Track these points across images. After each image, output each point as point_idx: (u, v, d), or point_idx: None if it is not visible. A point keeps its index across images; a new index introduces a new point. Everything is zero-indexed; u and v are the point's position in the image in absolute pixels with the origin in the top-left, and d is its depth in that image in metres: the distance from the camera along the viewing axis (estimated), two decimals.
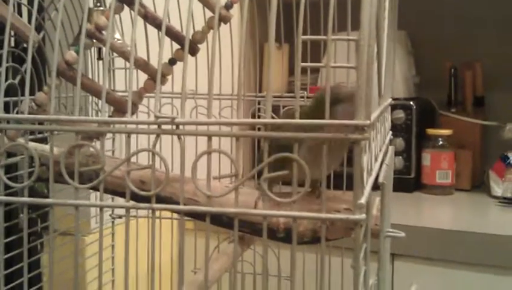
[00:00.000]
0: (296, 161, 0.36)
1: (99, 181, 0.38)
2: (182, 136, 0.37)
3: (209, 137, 0.37)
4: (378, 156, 0.54)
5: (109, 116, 0.68)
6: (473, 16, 1.77)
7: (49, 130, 0.39)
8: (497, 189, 1.49)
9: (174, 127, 0.38)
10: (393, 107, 1.54)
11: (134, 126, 0.37)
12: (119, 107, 0.66)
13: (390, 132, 0.81)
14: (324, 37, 0.38)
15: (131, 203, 0.38)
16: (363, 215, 0.34)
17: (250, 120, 0.37)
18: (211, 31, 0.66)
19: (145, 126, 0.40)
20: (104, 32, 0.63)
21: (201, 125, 0.37)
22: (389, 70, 0.76)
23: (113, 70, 0.90)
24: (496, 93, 1.73)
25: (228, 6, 0.68)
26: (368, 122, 0.36)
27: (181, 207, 0.37)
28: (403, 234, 0.49)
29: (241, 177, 0.39)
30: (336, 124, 0.37)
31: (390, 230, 0.49)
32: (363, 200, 0.34)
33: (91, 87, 0.65)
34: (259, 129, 0.38)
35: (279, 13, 0.83)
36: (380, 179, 0.47)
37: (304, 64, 0.38)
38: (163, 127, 0.37)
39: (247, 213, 0.36)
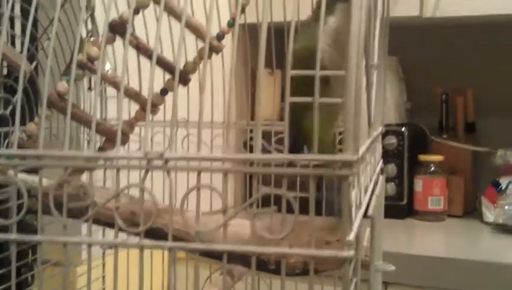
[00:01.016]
0: (285, 196, 0.36)
1: (88, 217, 0.38)
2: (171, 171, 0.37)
3: (199, 172, 0.37)
4: (368, 188, 0.54)
5: (100, 146, 0.68)
6: (463, 42, 1.79)
7: (37, 166, 0.39)
8: (489, 215, 1.49)
9: (164, 161, 0.38)
10: (385, 133, 1.55)
11: (123, 161, 0.37)
12: (110, 137, 0.66)
13: (381, 161, 0.81)
14: (313, 72, 0.38)
15: (120, 239, 0.38)
16: (352, 252, 0.34)
17: (239, 156, 0.37)
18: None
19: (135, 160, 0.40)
20: (96, 62, 0.64)
21: (191, 160, 0.37)
22: (380, 98, 0.76)
23: (106, 99, 0.90)
24: (487, 119, 1.74)
25: (220, 37, 0.68)
26: (356, 157, 0.36)
27: (170, 244, 0.37)
28: (393, 268, 0.49)
29: (231, 210, 0.39)
30: (322, 159, 0.37)
31: (381, 263, 0.49)
32: (351, 237, 0.34)
33: (82, 118, 0.65)
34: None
35: (270, 39, 0.84)
36: (370, 212, 0.47)
37: (292, 98, 0.38)
38: (153, 162, 0.37)
39: (235, 250, 0.36)
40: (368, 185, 0.53)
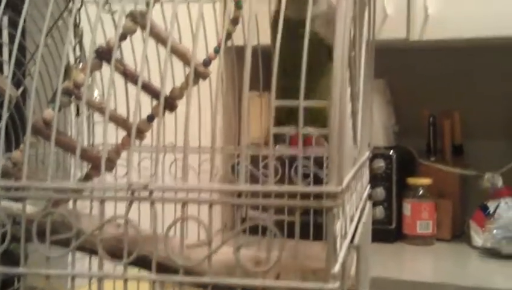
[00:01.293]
0: (270, 228, 0.36)
1: (71, 249, 0.38)
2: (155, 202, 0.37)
3: (183, 203, 0.37)
4: (354, 216, 0.54)
5: (86, 173, 0.68)
6: (450, 65, 1.80)
7: (20, 197, 0.38)
8: (478, 239, 1.50)
9: (148, 193, 0.37)
10: (374, 157, 1.56)
11: (106, 193, 0.37)
12: (96, 164, 0.66)
13: (369, 186, 0.81)
14: (296, 103, 0.38)
15: (105, 271, 0.37)
16: (337, 284, 0.34)
17: (224, 187, 0.37)
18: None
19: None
20: (82, 89, 0.63)
21: (175, 191, 0.37)
22: (367, 122, 0.77)
23: (93, 125, 0.90)
24: (474, 142, 1.75)
25: (206, 63, 0.69)
26: (340, 188, 0.36)
27: (154, 277, 0.37)
28: None
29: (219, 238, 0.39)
30: (303, 187, 0.37)
31: None
32: (336, 269, 0.34)
33: (68, 145, 0.65)
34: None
35: (257, 61, 0.85)
36: (356, 242, 0.47)
37: (275, 130, 0.38)
38: (137, 193, 0.37)
39: (220, 283, 0.35)
40: (354, 214, 0.53)
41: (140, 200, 0.38)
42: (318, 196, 0.36)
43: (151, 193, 0.37)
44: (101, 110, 0.67)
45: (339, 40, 0.35)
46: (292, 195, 0.37)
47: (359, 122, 0.60)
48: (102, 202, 0.38)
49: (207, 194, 0.39)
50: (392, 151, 1.61)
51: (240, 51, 0.85)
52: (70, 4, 0.77)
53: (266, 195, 0.38)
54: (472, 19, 1.49)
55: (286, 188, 0.36)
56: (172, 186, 0.37)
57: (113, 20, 0.80)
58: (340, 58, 0.35)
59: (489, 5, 1.47)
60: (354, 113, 0.55)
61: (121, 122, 0.67)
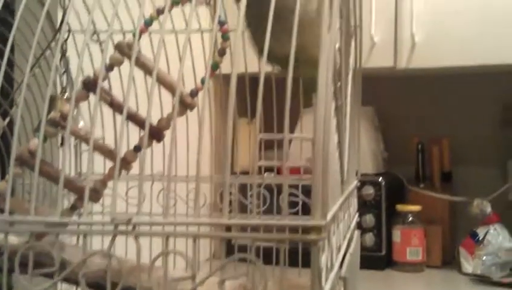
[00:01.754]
0: (251, 261, 0.36)
1: (54, 283, 0.37)
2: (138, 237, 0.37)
3: (166, 237, 0.37)
4: (341, 246, 0.54)
5: (72, 204, 0.67)
6: (438, 92, 1.82)
7: (3, 232, 0.38)
8: (468, 266, 1.49)
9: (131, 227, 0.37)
10: (363, 183, 1.56)
11: (89, 227, 0.37)
12: (81, 195, 0.65)
13: (357, 215, 0.81)
14: (280, 136, 0.38)
15: None
16: None
17: (209, 221, 0.37)
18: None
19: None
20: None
21: (159, 225, 0.37)
22: (354, 152, 0.77)
23: (80, 154, 0.90)
24: (463, 168, 1.76)
25: (193, 94, 0.69)
26: (324, 222, 0.36)
27: None
28: None
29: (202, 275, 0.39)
30: (288, 222, 0.37)
31: None
32: None
33: (53, 176, 0.64)
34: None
35: (244, 88, 0.85)
36: (343, 273, 0.46)
37: (260, 163, 0.38)
38: (120, 227, 0.37)
39: None
40: (341, 244, 0.53)
41: (123, 234, 0.37)
42: (303, 229, 0.36)
43: (134, 227, 0.37)
44: (86, 140, 0.67)
45: (322, 76, 0.35)
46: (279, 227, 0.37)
47: (346, 153, 0.61)
48: (85, 236, 0.37)
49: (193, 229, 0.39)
50: (381, 178, 1.61)
51: (228, 79, 0.86)
52: (58, 34, 0.77)
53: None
54: (458, 47, 1.50)
55: (266, 222, 0.36)
56: (156, 221, 0.37)
57: (101, 49, 0.80)
58: (324, 93, 0.35)
59: (475, 34, 1.49)
60: (340, 144, 0.55)
61: (107, 152, 0.67)
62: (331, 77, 0.37)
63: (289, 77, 0.41)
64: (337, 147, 0.53)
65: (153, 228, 0.38)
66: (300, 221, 0.35)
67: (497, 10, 1.49)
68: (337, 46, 0.51)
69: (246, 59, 0.82)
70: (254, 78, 0.81)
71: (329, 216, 0.37)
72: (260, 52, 0.65)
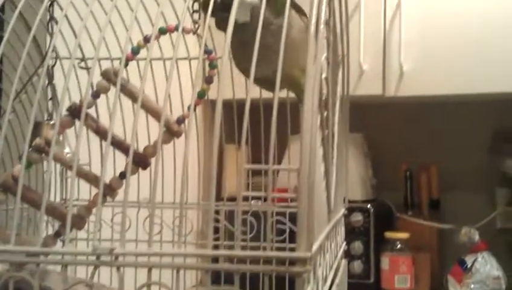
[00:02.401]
0: None
1: None
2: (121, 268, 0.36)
3: (149, 268, 0.36)
4: (328, 277, 0.53)
5: (56, 231, 0.67)
6: (426, 119, 1.83)
7: None
8: None
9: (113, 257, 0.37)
10: (351, 210, 1.56)
11: (71, 257, 0.36)
12: (65, 222, 0.65)
13: (344, 243, 0.80)
14: (265, 167, 0.38)
15: None
16: None
17: (192, 252, 0.36)
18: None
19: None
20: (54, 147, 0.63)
21: (142, 256, 0.37)
22: (342, 180, 0.77)
23: (66, 180, 0.89)
24: (451, 196, 1.76)
25: (180, 121, 0.68)
26: (309, 254, 0.35)
27: None
28: None
29: None
30: (273, 253, 0.36)
31: None
32: None
33: (38, 203, 0.63)
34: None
35: (232, 113, 0.85)
36: None
37: (245, 193, 0.38)
38: (102, 258, 0.36)
39: None
40: (327, 275, 0.52)
41: (105, 265, 0.37)
42: (289, 260, 0.36)
43: (116, 257, 0.36)
44: (71, 167, 0.66)
45: (308, 107, 0.35)
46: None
47: (333, 182, 0.60)
48: (65, 266, 0.37)
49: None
50: (369, 205, 1.61)
51: (215, 104, 0.85)
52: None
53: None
54: (445, 76, 1.52)
55: (252, 253, 0.36)
56: (139, 252, 0.37)
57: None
58: (310, 123, 0.35)
59: (462, 63, 1.51)
60: (327, 173, 0.55)
61: (92, 179, 0.66)
62: (316, 108, 0.37)
63: (275, 104, 0.41)
64: (324, 176, 0.53)
65: (137, 258, 0.37)
66: (286, 253, 0.35)
67: (484, 40, 1.50)
68: (323, 76, 0.51)
69: (233, 85, 0.82)
70: (242, 104, 0.81)
71: (314, 248, 0.37)
72: (245, 74, 0.65)
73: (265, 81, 0.56)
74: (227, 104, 0.84)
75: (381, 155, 1.82)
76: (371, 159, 1.80)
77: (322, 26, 0.41)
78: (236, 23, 0.44)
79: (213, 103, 0.90)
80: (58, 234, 0.65)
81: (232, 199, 0.92)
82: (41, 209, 0.45)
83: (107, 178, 0.64)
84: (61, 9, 0.75)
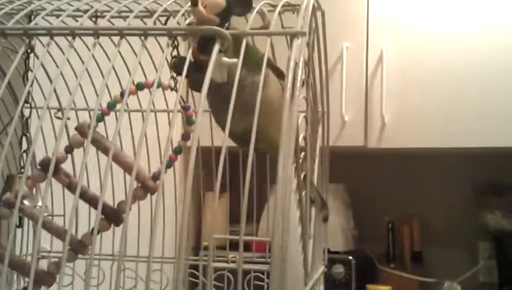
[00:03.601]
0: None
1: None
2: None
3: None
4: None
5: (24, 288, 0.64)
6: (408, 171, 1.83)
7: None
8: None
9: None
10: (333, 262, 1.54)
11: None
12: (38, 280, 0.62)
13: None
14: (236, 237, 0.37)
15: None
16: None
17: None
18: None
19: None
20: (25, 201, 0.61)
21: None
22: (321, 237, 0.75)
23: (39, 233, 0.87)
24: (433, 248, 1.75)
25: (155, 177, 0.67)
26: None
27: None
28: None
29: None
30: None
31: None
32: None
33: (9, 261, 0.61)
34: None
35: (211, 161, 0.83)
36: None
37: (215, 265, 0.36)
38: None
39: None
40: None
41: None
42: None
43: None
44: (42, 223, 0.64)
45: (280, 179, 0.34)
46: None
47: (310, 244, 0.59)
48: None
49: None
50: (351, 256, 1.59)
51: (203, 151, 0.84)
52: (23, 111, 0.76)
53: None
54: (426, 129, 1.52)
55: None
56: None
57: (66, 128, 0.78)
58: (283, 193, 0.34)
59: (442, 117, 1.52)
60: (303, 236, 0.54)
61: (63, 234, 0.64)
62: (291, 177, 0.36)
63: (249, 162, 0.40)
64: (300, 239, 0.52)
65: None
66: None
67: (465, 95, 1.52)
68: (301, 137, 0.50)
69: (212, 132, 0.81)
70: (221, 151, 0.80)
71: None
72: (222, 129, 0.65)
73: (239, 138, 0.56)
74: (207, 151, 0.83)
75: (363, 206, 1.81)
76: (353, 209, 1.78)
77: (298, 87, 0.40)
78: (211, 82, 0.44)
79: (202, 149, 0.88)
80: None
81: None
82: (5, 263, 0.43)
83: (82, 231, 0.62)
84: (37, 57, 0.73)
